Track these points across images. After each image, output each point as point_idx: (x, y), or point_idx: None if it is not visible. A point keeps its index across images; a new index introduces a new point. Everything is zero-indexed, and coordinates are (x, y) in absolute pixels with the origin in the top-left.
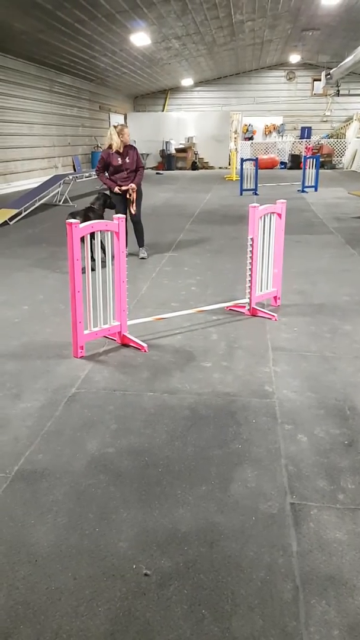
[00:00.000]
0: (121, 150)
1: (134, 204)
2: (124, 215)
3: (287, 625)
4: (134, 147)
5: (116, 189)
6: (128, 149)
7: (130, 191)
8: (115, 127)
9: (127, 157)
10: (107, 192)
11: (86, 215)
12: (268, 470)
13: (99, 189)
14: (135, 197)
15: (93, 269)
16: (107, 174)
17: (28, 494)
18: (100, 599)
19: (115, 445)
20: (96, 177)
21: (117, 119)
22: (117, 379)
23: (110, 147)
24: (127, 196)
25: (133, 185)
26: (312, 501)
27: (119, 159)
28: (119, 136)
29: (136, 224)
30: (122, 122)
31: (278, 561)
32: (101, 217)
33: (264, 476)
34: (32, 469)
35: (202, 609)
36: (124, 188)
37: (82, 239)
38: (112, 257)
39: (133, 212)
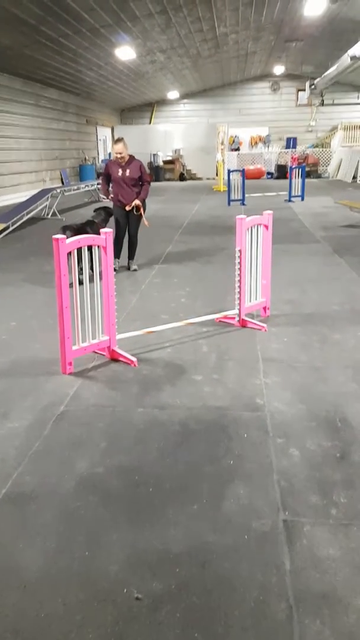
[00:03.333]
0: (123, 163)
1: (143, 219)
2: (111, 230)
3: None
4: (138, 160)
5: (125, 207)
6: (131, 161)
7: (134, 210)
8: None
9: (128, 171)
10: (108, 206)
11: (83, 229)
12: (260, 486)
13: (87, 201)
14: (142, 213)
15: (81, 283)
16: (110, 185)
17: (16, 517)
18: (91, 625)
19: (104, 464)
20: (85, 189)
21: (104, 132)
22: (107, 395)
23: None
24: (135, 213)
25: (135, 202)
26: (304, 517)
27: (120, 171)
28: (114, 149)
29: (132, 237)
30: (109, 134)
31: (271, 580)
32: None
33: (256, 492)
34: (20, 491)
35: (194, 632)
36: (127, 208)
37: (70, 254)
38: (100, 273)
39: (147, 224)
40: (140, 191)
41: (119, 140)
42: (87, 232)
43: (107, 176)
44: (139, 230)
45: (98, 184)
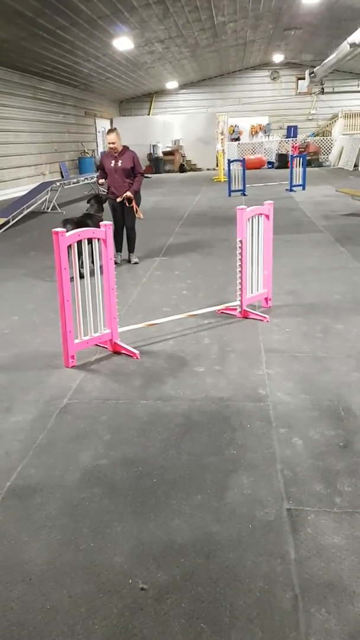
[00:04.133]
0: (116, 154)
1: (137, 211)
2: (111, 223)
3: (287, 636)
4: (132, 151)
5: (116, 198)
6: (124, 152)
7: (126, 202)
8: None
9: (120, 162)
10: (98, 194)
11: (84, 222)
12: (264, 476)
13: (87, 193)
14: (134, 205)
15: (82, 276)
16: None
17: (21, 510)
18: (97, 617)
19: (108, 457)
20: (85, 182)
21: (103, 124)
22: (110, 388)
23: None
24: (127, 205)
25: (127, 194)
26: (308, 506)
27: (112, 162)
28: (106, 139)
29: (130, 230)
30: (109, 126)
31: (276, 570)
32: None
33: (259, 482)
34: (25, 484)
35: (200, 623)
36: (118, 200)
37: (70, 247)
38: (100, 267)
39: (140, 216)
40: (132, 183)
41: (112, 130)
42: (87, 225)
43: (103, 169)
44: (135, 222)
45: (97, 176)
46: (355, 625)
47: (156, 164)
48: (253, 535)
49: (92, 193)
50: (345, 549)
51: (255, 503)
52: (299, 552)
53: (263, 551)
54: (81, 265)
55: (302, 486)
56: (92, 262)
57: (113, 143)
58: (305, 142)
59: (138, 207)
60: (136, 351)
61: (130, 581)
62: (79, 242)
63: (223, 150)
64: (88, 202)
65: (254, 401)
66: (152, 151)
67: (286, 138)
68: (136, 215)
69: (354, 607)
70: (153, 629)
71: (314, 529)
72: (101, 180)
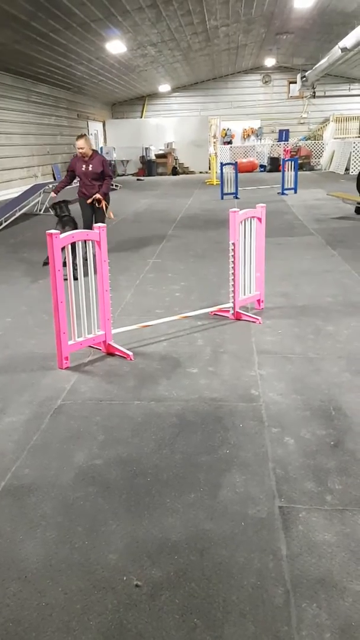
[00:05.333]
0: (86, 159)
1: (107, 211)
2: (105, 225)
3: (279, 630)
4: (101, 156)
5: (87, 199)
6: (93, 157)
7: (96, 203)
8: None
9: (90, 166)
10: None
11: (73, 221)
12: (256, 474)
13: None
14: (104, 205)
15: (76, 278)
16: (76, 179)
17: (16, 509)
18: (92, 613)
19: (102, 456)
20: (77, 184)
21: (95, 126)
22: (103, 389)
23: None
24: (97, 206)
25: (97, 196)
26: (300, 504)
27: (83, 166)
28: (75, 145)
29: None
30: (101, 129)
31: (268, 566)
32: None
33: (252, 481)
34: (19, 483)
35: (194, 618)
36: (89, 201)
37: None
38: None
39: (111, 216)
40: (101, 185)
41: (81, 136)
42: (75, 223)
43: (72, 172)
44: (106, 220)
45: (57, 186)
46: (346, 619)
47: (149, 166)
48: (245, 533)
49: (58, 201)
50: (335, 546)
51: (248, 501)
52: (291, 549)
53: (255, 548)
54: (75, 268)
55: (294, 484)
56: (86, 260)
57: (82, 148)
58: (297, 146)
59: (107, 207)
60: (130, 352)
61: (124, 578)
62: (73, 245)
63: (215, 153)
64: (55, 208)
65: (247, 401)
66: (144, 154)
67: (278, 142)
68: (106, 215)
69: (344, 602)
70: (147, 625)
71: (305, 526)
72: (53, 194)
